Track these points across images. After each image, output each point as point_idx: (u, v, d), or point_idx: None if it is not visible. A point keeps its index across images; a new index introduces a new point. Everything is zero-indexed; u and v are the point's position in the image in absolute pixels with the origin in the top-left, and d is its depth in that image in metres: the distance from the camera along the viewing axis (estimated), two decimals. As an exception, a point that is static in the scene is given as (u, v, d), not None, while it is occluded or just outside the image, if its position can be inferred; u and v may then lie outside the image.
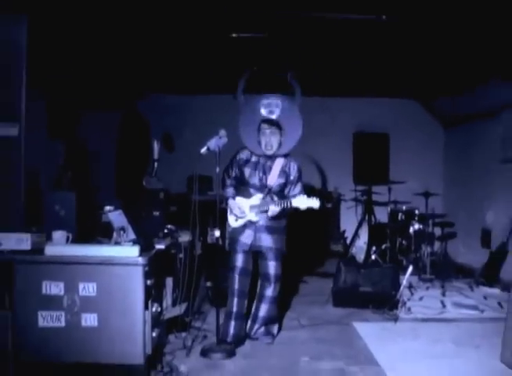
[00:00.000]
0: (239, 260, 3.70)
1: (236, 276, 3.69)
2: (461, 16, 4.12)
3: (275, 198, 3.66)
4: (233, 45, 4.94)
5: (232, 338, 3.67)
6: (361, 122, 7.34)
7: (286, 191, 3.75)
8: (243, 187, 3.75)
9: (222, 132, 3.49)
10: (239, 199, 3.73)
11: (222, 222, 3.76)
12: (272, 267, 3.74)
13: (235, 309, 3.70)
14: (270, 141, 3.65)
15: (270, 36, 4.75)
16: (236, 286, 3.69)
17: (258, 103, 3.72)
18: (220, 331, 3.57)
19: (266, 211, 3.61)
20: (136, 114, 7.24)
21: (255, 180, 3.71)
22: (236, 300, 3.70)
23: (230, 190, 3.79)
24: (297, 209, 3.50)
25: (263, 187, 3.69)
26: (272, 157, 3.72)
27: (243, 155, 3.77)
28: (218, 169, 3.45)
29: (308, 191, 3.77)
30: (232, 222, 3.74)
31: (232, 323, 3.69)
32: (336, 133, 7.42)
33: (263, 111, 3.69)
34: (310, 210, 3.47)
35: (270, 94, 3.73)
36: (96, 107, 6.48)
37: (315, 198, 3.45)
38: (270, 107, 3.68)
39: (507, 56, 4.75)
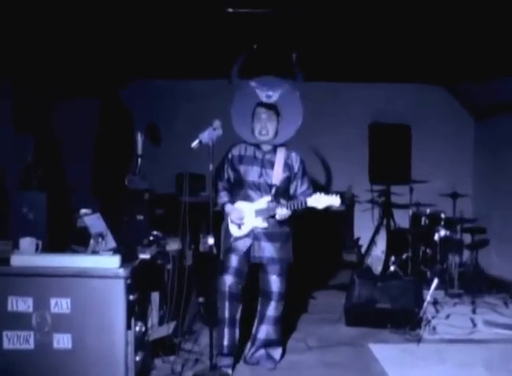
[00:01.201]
0: (233, 260, 3.68)
1: (228, 277, 3.65)
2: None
3: (283, 200, 3.65)
4: (229, 21, 4.94)
5: (227, 349, 3.66)
6: (377, 112, 7.34)
7: (291, 189, 3.76)
8: (239, 189, 3.74)
9: (217, 123, 3.49)
10: (239, 203, 3.71)
11: (216, 228, 3.76)
12: (273, 283, 3.74)
13: (227, 314, 3.66)
14: (266, 126, 3.66)
15: (272, 12, 4.75)
16: (227, 288, 3.64)
17: (254, 85, 3.70)
18: (214, 345, 3.56)
19: (274, 216, 3.61)
20: (117, 103, 7.24)
21: (254, 176, 3.70)
22: (227, 304, 3.65)
23: (224, 195, 3.79)
24: (310, 210, 3.49)
25: (265, 186, 3.68)
26: (272, 151, 3.73)
27: (236, 151, 3.77)
28: (211, 166, 3.45)
29: (316, 190, 3.78)
30: (235, 230, 3.72)
31: (226, 331, 3.66)
32: (348, 124, 7.42)
33: (260, 95, 3.68)
34: (320, 211, 3.47)
35: (268, 76, 3.74)
36: (71, 95, 6.48)
37: (334, 195, 3.44)
38: (268, 91, 3.67)
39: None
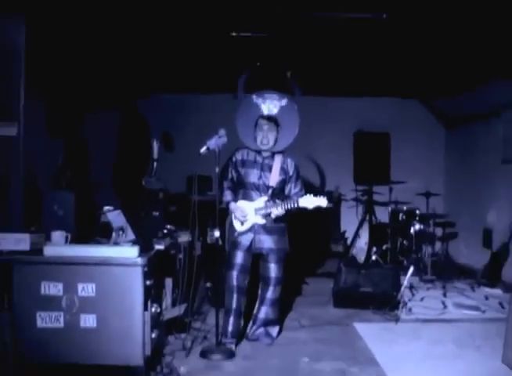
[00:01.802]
0: (239, 257, 3.68)
1: (235, 273, 3.67)
2: (462, 15, 4.12)
3: (278, 200, 3.64)
4: (233, 44, 4.94)
5: (231, 335, 3.66)
6: (361, 121, 7.33)
7: (286, 190, 3.75)
8: (241, 189, 3.73)
9: (222, 132, 3.48)
10: (241, 202, 3.70)
11: (222, 223, 3.75)
12: (272, 270, 3.73)
13: (234, 305, 3.68)
14: (267, 136, 3.65)
15: (270, 35, 4.75)
16: (235, 282, 3.66)
17: (258, 99, 3.72)
18: (221, 328, 3.57)
19: (270, 214, 3.61)
20: (136, 114, 7.24)
21: (254, 178, 3.69)
22: (235, 296, 3.67)
23: (228, 193, 3.77)
24: (302, 209, 3.49)
25: (263, 187, 3.68)
26: (270, 156, 3.72)
27: (239, 156, 3.76)
28: (217, 169, 3.45)
29: (308, 190, 3.78)
30: (238, 226, 3.71)
31: (231, 320, 3.67)
32: (336, 133, 7.41)
33: (262, 108, 3.69)
34: (312, 209, 3.47)
35: (270, 91, 3.74)
36: (96, 107, 6.48)
37: (322, 196, 3.45)
38: (270, 104, 3.69)
39: (508, 56, 4.75)
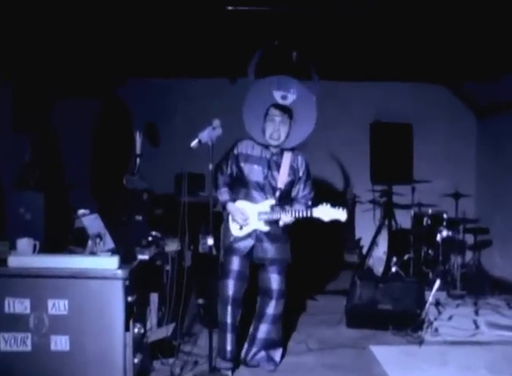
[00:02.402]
0: (235, 263, 3.67)
1: (231, 282, 3.65)
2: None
3: (288, 207, 3.61)
4: (229, 19, 4.94)
5: (230, 354, 3.66)
6: (379, 111, 7.34)
7: (293, 192, 3.74)
8: (242, 188, 3.72)
9: (216, 122, 3.48)
10: (242, 203, 3.69)
11: (216, 229, 3.75)
12: (274, 281, 3.73)
13: (229, 319, 3.66)
14: (278, 130, 3.60)
15: (271, 10, 4.75)
16: (230, 293, 3.64)
17: (271, 84, 3.65)
18: (215, 350, 3.57)
19: (277, 221, 3.59)
20: (115, 102, 7.25)
21: (258, 177, 3.66)
22: (229, 309, 3.65)
23: (225, 191, 3.75)
24: (315, 220, 3.48)
25: (270, 188, 3.66)
26: (279, 152, 3.70)
27: (243, 148, 3.71)
28: (210, 166, 3.44)
29: (317, 192, 3.78)
30: (236, 230, 3.70)
31: (229, 337, 3.66)
32: (349, 124, 7.43)
33: (275, 95, 3.64)
34: (327, 222, 3.46)
35: (286, 77, 3.69)
36: (69, 95, 6.49)
37: (341, 208, 3.41)
38: (284, 92, 3.62)
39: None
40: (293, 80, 3.69)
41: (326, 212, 3.43)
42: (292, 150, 3.73)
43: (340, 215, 3.42)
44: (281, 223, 3.58)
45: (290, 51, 3.83)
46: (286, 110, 3.62)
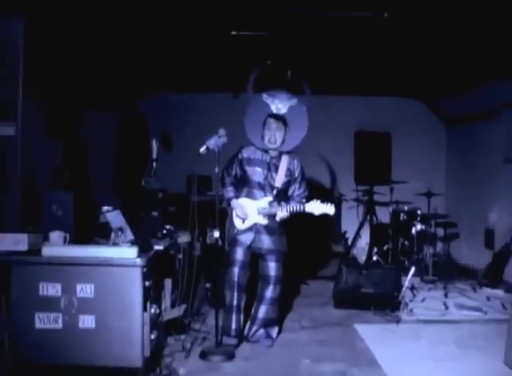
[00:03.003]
0: (239, 253, 3.69)
1: (236, 270, 3.68)
2: (463, 14, 4.12)
3: (283, 202, 3.64)
4: (233, 42, 4.94)
5: (234, 332, 3.67)
6: (362, 121, 7.33)
7: (290, 191, 3.75)
8: (245, 187, 3.73)
9: (222, 131, 3.48)
10: (244, 200, 3.70)
11: (222, 223, 3.75)
12: (272, 268, 3.74)
13: (235, 302, 3.69)
14: (274, 136, 3.64)
15: (270, 34, 4.74)
16: (236, 279, 3.68)
17: (268, 98, 3.72)
18: (221, 328, 3.59)
19: (274, 215, 3.60)
20: (136, 114, 7.24)
21: (259, 178, 3.68)
22: (236, 294, 3.69)
23: (231, 190, 3.77)
24: (307, 214, 3.49)
25: (269, 187, 3.67)
26: (278, 156, 3.71)
27: (246, 153, 3.74)
28: (217, 169, 3.44)
29: (315, 193, 3.79)
30: (239, 224, 3.71)
31: (234, 317, 3.69)
32: (337, 132, 7.42)
33: (271, 107, 3.69)
34: (318, 215, 3.46)
35: (280, 91, 3.74)
36: (96, 107, 6.48)
37: (329, 204, 3.46)
38: (279, 104, 3.69)
39: (508, 55, 4.74)
40: (285, 93, 3.74)
41: (317, 207, 3.47)
42: (289, 154, 3.74)
43: (329, 209, 3.46)
44: (278, 218, 3.59)
45: (285, 69, 3.83)
46: (280, 118, 3.67)
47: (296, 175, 3.74)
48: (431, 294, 5.16)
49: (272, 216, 3.63)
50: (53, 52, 4.83)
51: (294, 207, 3.53)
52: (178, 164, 6.48)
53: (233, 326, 3.68)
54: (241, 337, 3.76)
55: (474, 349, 3.66)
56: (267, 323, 3.79)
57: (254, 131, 3.71)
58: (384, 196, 6.76)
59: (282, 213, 3.56)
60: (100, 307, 2.94)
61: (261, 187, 3.68)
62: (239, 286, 3.69)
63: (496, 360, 3.35)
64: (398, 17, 4.25)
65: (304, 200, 3.70)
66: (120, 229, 3.22)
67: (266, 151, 3.72)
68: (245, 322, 3.83)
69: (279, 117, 3.66)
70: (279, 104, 3.68)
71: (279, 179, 3.68)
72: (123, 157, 7.10)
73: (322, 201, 3.47)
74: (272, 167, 3.70)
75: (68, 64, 5.28)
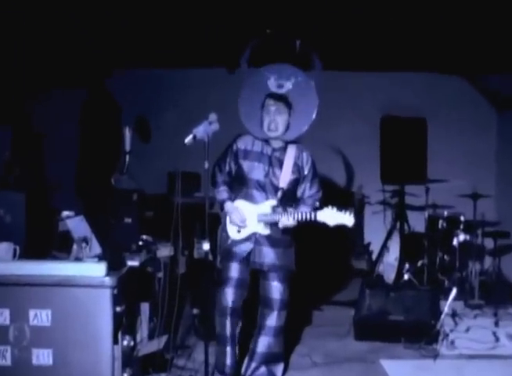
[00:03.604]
0: (234, 269, 3.69)
1: (229, 290, 3.67)
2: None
3: (291, 209, 3.62)
4: (228, 3, 4.95)
5: (229, 369, 3.69)
6: (390, 104, 7.34)
7: (299, 192, 3.75)
8: (241, 186, 3.73)
9: (213, 117, 3.48)
10: (241, 203, 3.70)
11: (213, 232, 3.76)
12: (275, 290, 3.74)
13: (229, 330, 3.69)
14: (275, 120, 3.62)
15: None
16: (230, 302, 3.67)
17: (265, 74, 3.69)
18: (213, 365, 3.59)
19: (277, 223, 3.60)
20: (103, 94, 7.26)
21: (259, 175, 3.67)
22: (229, 320, 3.68)
23: (224, 190, 3.77)
24: (319, 224, 3.49)
25: (270, 187, 3.66)
26: (282, 148, 3.71)
27: (242, 144, 3.74)
28: (207, 164, 3.44)
29: (323, 193, 3.79)
30: (233, 233, 3.71)
31: (229, 350, 3.69)
32: (359, 117, 7.44)
33: (271, 84, 3.66)
34: (333, 226, 3.47)
35: (280, 64, 3.72)
36: (53, 86, 6.50)
37: (348, 212, 3.43)
38: (280, 79, 3.65)
39: None
40: (288, 66, 3.72)
41: (332, 216, 3.44)
42: (296, 145, 3.74)
43: (347, 219, 3.44)
44: (280, 225, 3.59)
45: (293, 39, 3.83)
46: (281, 99, 3.63)
47: (306, 172, 3.73)
48: (478, 323, 5.16)
49: (275, 224, 3.63)
50: (1, 21, 4.85)
51: (303, 216, 3.51)
52: (158, 158, 6.53)
53: (228, 361, 3.69)
54: (237, 374, 3.77)
55: (531, 392, 3.68)
56: (269, 360, 3.79)
57: (250, 117, 3.70)
58: (418, 198, 6.78)
59: (287, 221, 3.54)
60: (59, 338, 2.96)
61: (262, 187, 3.68)
62: (234, 311, 3.69)
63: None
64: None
65: (317, 203, 3.70)
66: (85, 240, 3.23)
67: (267, 142, 3.71)
68: (242, 357, 3.83)
69: (279, 97, 3.63)
70: (280, 81, 3.66)
71: (285, 178, 3.66)
72: (88, 149, 7.12)
73: (339, 209, 3.45)
74: (274, 161, 3.69)
75: (17, 34, 5.28)
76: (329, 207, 3.47)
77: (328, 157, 7.06)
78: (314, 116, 3.69)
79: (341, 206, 3.49)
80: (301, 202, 3.73)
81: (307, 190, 3.75)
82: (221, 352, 3.71)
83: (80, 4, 4.98)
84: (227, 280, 3.69)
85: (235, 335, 3.72)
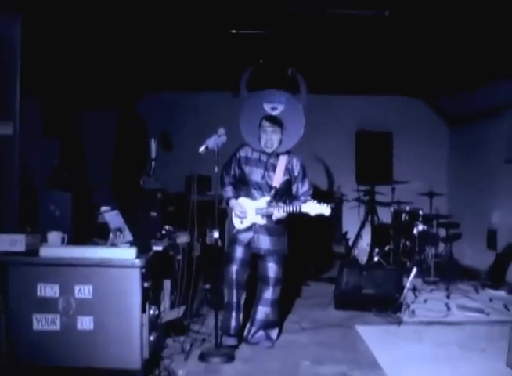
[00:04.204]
0: (238, 251, 3.70)
1: (235, 267, 3.68)
2: (465, 13, 4.12)
3: (280, 203, 3.63)
4: (233, 41, 4.94)
5: (234, 330, 3.68)
6: (364, 120, 7.34)
7: (294, 190, 3.75)
8: (244, 186, 3.74)
9: (221, 131, 3.48)
10: (242, 199, 3.71)
11: (221, 223, 3.75)
12: (271, 270, 3.74)
13: (234, 299, 3.69)
14: (271, 139, 3.64)
15: (270, 32, 4.75)
16: (234, 276, 3.68)
17: (261, 98, 3.68)
18: (220, 328, 3.59)
19: (271, 215, 3.61)
20: (134, 113, 7.25)
21: (257, 177, 3.68)
22: (235, 291, 3.69)
23: (230, 189, 3.78)
24: (303, 215, 3.49)
25: (266, 186, 3.67)
26: (275, 156, 3.71)
27: (244, 153, 3.75)
28: (216, 169, 3.44)
29: (313, 193, 3.79)
30: (238, 224, 3.72)
31: (234, 315, 3.69)
32: (338, 131, 7.42)
33: (266, 107, 3.66)
34: (313, 216, 3.47)
35: (274, 90, 3.71)
36: (94, 106, 6.49)
37: (325, 204, 3.46)
38: (273, 103, 3.65)
39: (510, 55, 4.75)
40: (280, 92, 3.71)
41: (313, 207, 3.46)
42: (287, 153, 3.73)
43: (325, 210, 3.46)
44: (274, 217, 3.60)
45: (285, 68, 3.82)
46: (276, 121, 3.64)
47: (296, 174, 3.73)
48: (433, 296, 5.16)
49: (270, 216, 3.63)
50: (51, 51, 4.84)
51: (291, 208, 3.54)
52: (177, 164, 6.48)
53: (233, 324, 3.69)
54: (240, 336, 3.76)
55: (477, 351, 3.65)
56: (267, 325, 3.79)
57: (250, 133, 3.70)
58: (386, 196, 6.78)
59: (278, 213, 3.57)
60: (98, 308, 2.94)
61: (259, 187, 3.69)
62: (238, 283, 3.69)
63: (499, 362, 3.34)
64: (399, 15, 4.25)
65: (309, 198, 3.69)
66: (119, 230, 3.22)
67: (263, 151, 3.71)
68: (244, 323, 3.83)
69: (274, 120, 3.63)
70: (274, 104, 3.65)
71: (277, 179, 3.67)
72: (121, 156, 7.10)
73: (319, 202, 3.48)
74: (269, 166, 3.70)
75: (65, 63, 5.29)
76: (311, 200, 3.51)
77: (313, 163, 7.04)
78: (301, 133, 3.69)
79: (320, 200, 3.50)
80: (296, 198, 3.73)
81: (300, 188, 3.75)
82: (227, 316, 3.70)
83: (122, 47, 5.00)
84: (233, 260, 3.70)
85: (239, 303, 3.72)
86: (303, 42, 5.01)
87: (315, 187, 6.79)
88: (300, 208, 3.49)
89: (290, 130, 3.67)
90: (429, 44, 4.94)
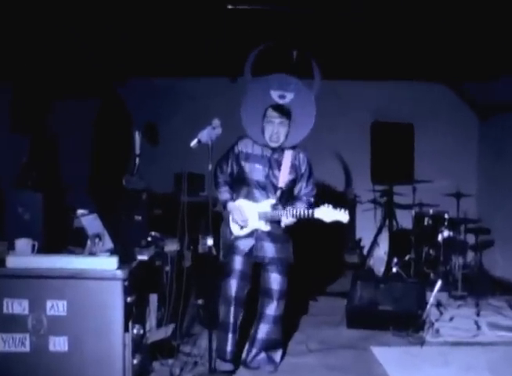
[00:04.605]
0: (237, 262, 3.68)
1: (233, 281, 3.65)
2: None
3: (289, 207, 3.60)
4: (230, 18, 4.94)
5: (230, 355, 3.67)
6: (380, 110, 7.33)
7: (296, 190, 3.74)
8: (243, 186, 3.72)
9: (216, 122, 3.48)
10: (242, 202, 3.69)
11: (216, 228, 3.75)
12: (275, 281, 3.73)
13: (231, 319, 3.67)
14: (277, 132, 3.60)
15: (271, 8, 4.75)
16: (233, 292, 3.65)
17: (268, 84, 3.64)
18: (215, 351, 3.58)
19: (277, 221, 3.59)
20: (115, 102, 7.25)
21: (259, 176, 3.66)
22: (232, 309, 3.66)
23: (225, 190, 3.77)
24: (316, 221, 3.48)
25: (271, 187, 3.66)
26: (280, 150, 3.69)
27: (243, 147, 3.72)
28: (210, 166, 3.45)
29: (318, 192, 3.78)
30: (236, 229, 3.70)
31: (230, 338, 3.67)
32: (350, 123, 7.43)
33: (273, 94, 3.63)
34: (329, 223, 3.46)
35: (283, 75, 3.68)
36: (68, 95, 6.49)
37: (343, 210, 3.44)
38: (282, 91, 3.61)
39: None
40: (290, 78, 3.68)
41: (328, 213, 3.44)
42: (293, 147, 3.72)
43: (342, 216, 3.44)
44: (283, 224, 3.59)
45: (290, 49, 3.81)
46: (284, 112, 3.60)
47: (302, 171, 3.72)
48: (461, 313, 5.16)
49: (275, 222, 3.62)
50: (19, 33, 4.84)
51: (302, 213, 3.50)
52: (166, 161, 6.53)
53: (228, 348, 3.68)
54: (237, 361, 3.76)
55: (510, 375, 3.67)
56: (269, 346, 3.79)
57: (252, 125, 3.67)
58: (406, 197, 6.77)
59: (288, 220, 3.54)
60: (74, 327, 2.95)
61: (262, 187, 3.67)
62: (237, 300, 3.67)
63: (536, 389, 3.36)
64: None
65: (312, 200, 3.69)
66: (98, 236, 3.23)
67: (266, 145, 3.69)
68: (242, 343, 3.83)
69: (282, 110, 3.60)
70: (283, 91, 3.61)
71: (283, 178, 3.65)
72: (101, 152, 7.11)
73: (335, 207, 3.45)
74: (273, 163, 3.68)
75: (35, 47, 5.28)
76: (326, 205, 3.47)
77: (323, 160, 7.03)
78: (311, 126, 3.67)
79: (336, 204, 3.49)
80: (297, 199, 3.73)
81: (303, 189, 3.74)
82: (222, 338, 3.69)
83: (98, 23, 4.99)
84: (231, 272, 3.68)
85: (236, 324, 3.70)
86: (309, 20, 5.00)
87: (324, 187, 6.84)
88: (312, 214, 3.46)
89: (299, 122, 3.64)
90: (455, 20, 4.92)
